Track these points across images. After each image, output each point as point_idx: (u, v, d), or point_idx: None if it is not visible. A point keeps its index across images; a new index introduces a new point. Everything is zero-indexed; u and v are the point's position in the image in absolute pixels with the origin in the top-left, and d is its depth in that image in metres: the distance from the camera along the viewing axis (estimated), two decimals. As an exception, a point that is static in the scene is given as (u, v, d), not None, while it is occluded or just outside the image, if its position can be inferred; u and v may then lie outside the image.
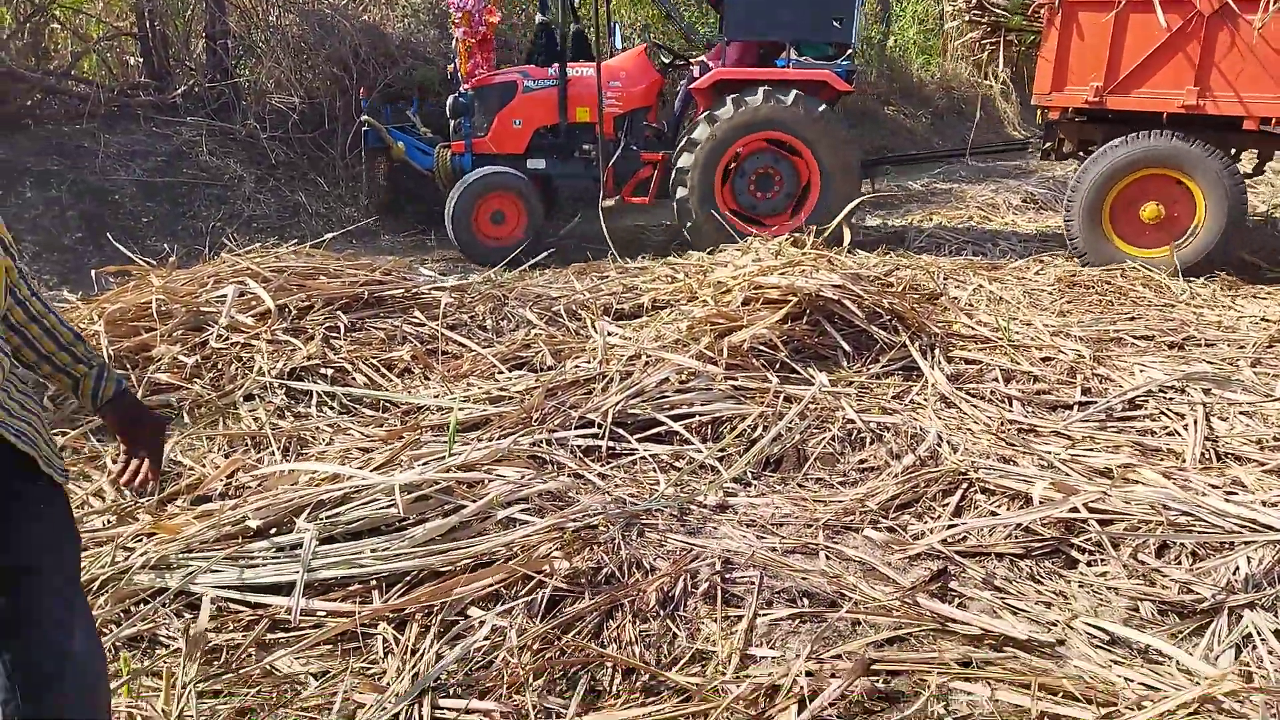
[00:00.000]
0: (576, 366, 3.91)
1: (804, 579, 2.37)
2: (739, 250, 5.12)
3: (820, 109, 6.75)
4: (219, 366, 3.68)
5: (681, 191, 6.86)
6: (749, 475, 3.07)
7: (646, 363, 3.72)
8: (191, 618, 2.16)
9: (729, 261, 4.88)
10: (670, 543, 2.51)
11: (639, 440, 3.27)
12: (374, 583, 2.30)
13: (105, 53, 8.77)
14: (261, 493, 2.75)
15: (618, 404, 3.41)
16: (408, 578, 2.31)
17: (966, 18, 7.19)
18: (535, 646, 2.05)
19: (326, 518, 2.49)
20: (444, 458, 2.87)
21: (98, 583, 2.24)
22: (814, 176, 6.92)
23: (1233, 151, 6.25)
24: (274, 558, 2.36)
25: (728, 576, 2.36)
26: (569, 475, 2.98)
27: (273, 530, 2.48)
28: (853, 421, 3.28)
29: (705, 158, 6.78)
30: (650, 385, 3.52)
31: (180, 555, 2.32)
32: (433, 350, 4.26)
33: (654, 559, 2.40)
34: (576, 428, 3.33)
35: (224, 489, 2.88)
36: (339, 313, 4.35)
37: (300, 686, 1.99)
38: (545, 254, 6.20)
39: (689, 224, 6.85)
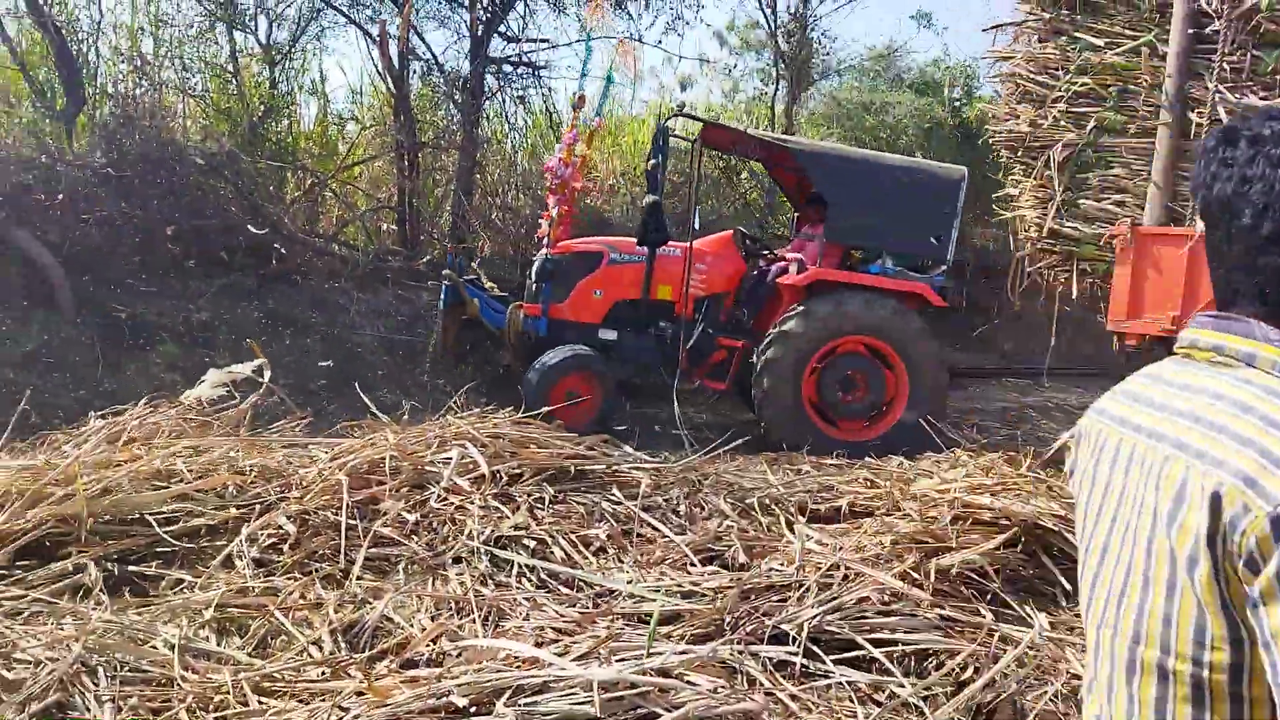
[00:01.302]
0: (771, 569, 3.83)
1: None
2: (944, 461, 4.95)
3: (917, 322, 6.84)
4: (434, 527, 3.89)
5: (767, 381, 6.80)
6: (957, 722, 2.84)
7: (846, 576, 3.59)
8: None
9: (934, 473, 4.72)
10: (874, 793, 2.33)
11: (835, 662, 3.12)
12: (565, 785, 2.26)
13: (367, 221, 10.01)
14: (463, 664, 2.82)
15: (814, 618, 3.29)
16: (598, 785, 2.26)
17: (1039, 245, 7.20)
18: None
19: (525, 704, 2.50)
20: (641, 655, 2.85)
21: (313, 740, 2.34)
22: (901, 387, 6.92)
23: None
24: (472, 741, 2.38)
25: (939, 846, 2.14)
26: (761, 693, 2.86)
27: (473, 709, 2.52)
28: (1079, 678, 2.99)
29: (797, 353, 6.76)
30: (849, 602, 3.38)
31: (388, 724, 2.39)
32: (628, 531, 4.32)
33: (857, 810, 2.23)
34: (769, 637, 3.23)
35: (428, 654, 2.97)
36: (545, 483, 4.54)
37: None
38: (740, 440, 6.23)
39: (768, 414, 6.76)
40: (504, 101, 10.79)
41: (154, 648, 2.85)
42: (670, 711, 2.50)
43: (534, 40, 10.72)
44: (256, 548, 3.58)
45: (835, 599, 3.40)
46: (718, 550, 4.20)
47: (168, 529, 3.57)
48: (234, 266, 8.29)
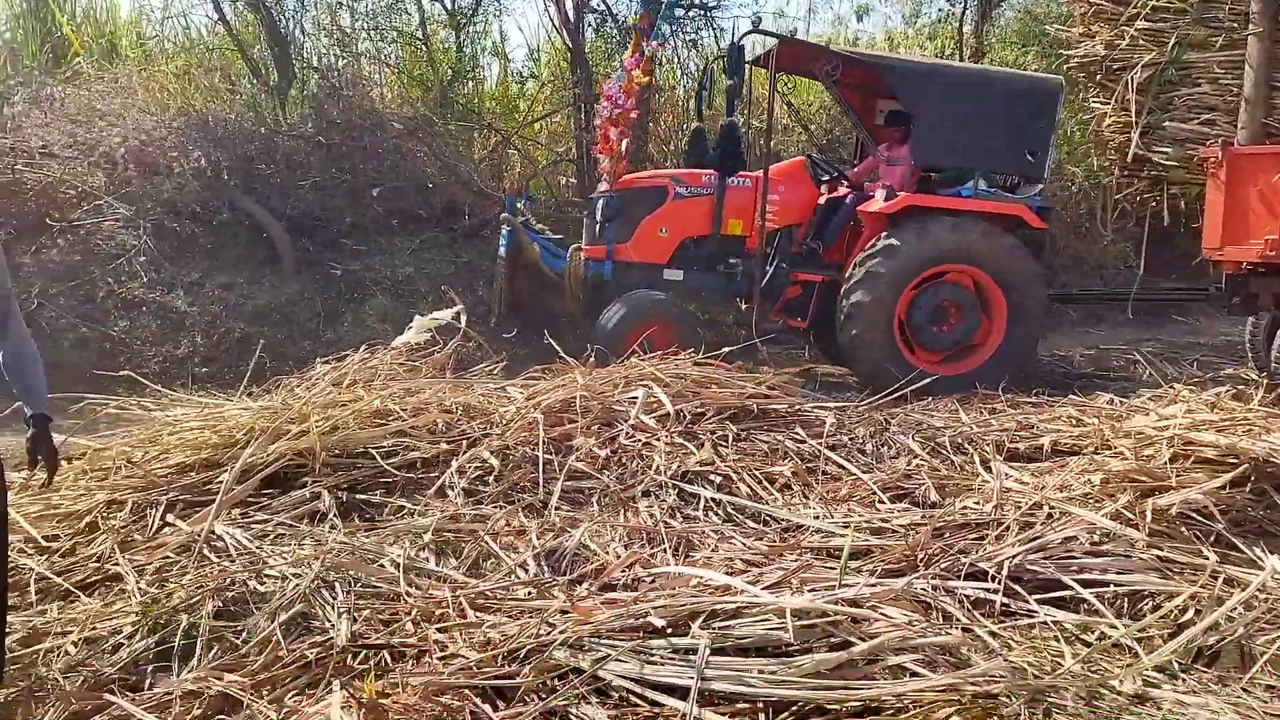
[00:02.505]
0: (966, 507, 3.71)
1: (1259, 813, 1.98)
2: (1161, 397, 4.59)
3: (1014, 246, 6.35)
4: (624, 462, 4.04)
5: (854, 329, 6.32)
6: (1176, 666, 2.67)
7: (1050, 515, 3.43)
8: (599, 703, 2.34)
9: (1150, 409, 4.38)
10: (1083, 730, 2.25)
11: (1038, 602, 3.00)
12: (761, 705, 2.32)
13: (548, 175, 10.31)
14: (658, 589, 2.93)
15: (1015, 556, 3.17)
16: (793, 707, 2.31)
17: (1125, 173, 6.72)
18: (930, 817, 1.92)
19: (719, 628, 2.58)
20: (831, 586, 2.85)
21: (523, 651, 2.52)
22: (998, 315, 6.46)
23: None
24: (669, 658, 2.48)
25: (1157, 788, 2.05)
26: (959, 629, 2.80)
27: (669, 630, 2.62)
28: (1318, 624, 2.73)
29: (886, 291, 6.27)
30: (1054, 541, 3.23)
31: (591, 639, 2.54)
32: (812, 469, 4.31)
33: (1065, 746, 2.16)
34: (966, 576, 3.15)
35: (624, 579, 3.11)
36: (728, 422, 4.59)
37: (690, 796, 2.06)
38: (928, 380, 6.01)
39: (862, 363, 6.33)
40: (675, 46, 10.71)
41: (382, 566, 3.15)
42: (864, 641, 2.50)
43: (705, -19, 10.56)
44: (465, 479, 3.85)
45: (1038, 538, 3.26)
46: (907, 489, 4.11)
47: (389, 461, 3.90)
48: (431, 223, 8.80)
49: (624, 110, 6.58)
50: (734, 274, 6.78)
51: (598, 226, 6.74)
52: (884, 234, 6.45)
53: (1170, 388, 4.71)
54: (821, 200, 7.18)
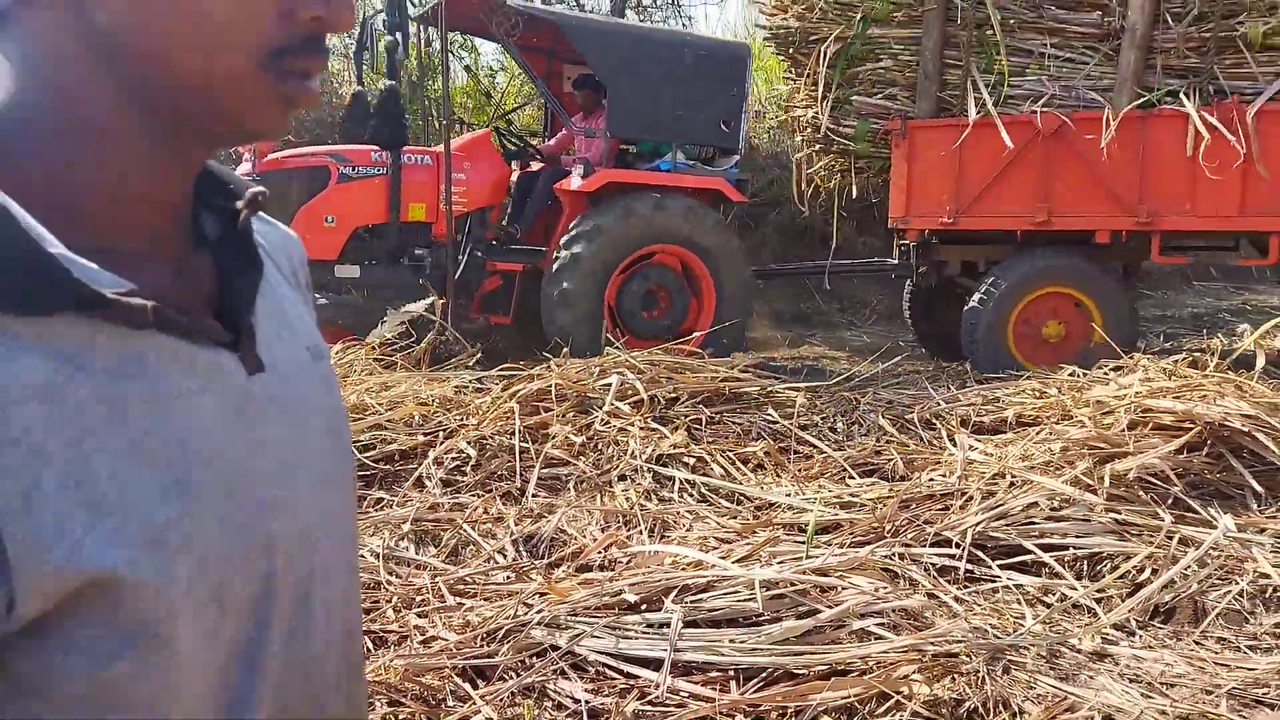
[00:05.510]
0: (932, 479, 3.81)
1: (1204, 755, 2.09)
2: (1123, 368, 4.71)
3: (717, 220, 6.26)
4: (599, 447, 4.11)
5: (564, 317, 5.88)
6: (1133, 623, 2.77)
7: (1012, 483, 3.53)
8: (576, 677, 2.41)
9: (1110, 379, 4.50)
10: (1040, 685, 2.34)
11: (1000, 567, 3.10)
12: (732, 673, 2.41)
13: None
14: (633, 568, 3.01)
15: (978, 524, 3.27)
16: (763, 674, 2.39)
17: (816, 147, 6.94)
18: (892, 770, 2.01)
19: (691, 602, 2.66)
20: (800, 558, 2.94)
21: (502, 631, 2.59)
22: (707, 295, 6.33)
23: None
24: (644, 633, 2.56)
25: (1109, 735, 2.15)
26: (924, 594, 2.90)
27: (644, 606, 2.70)
28: (1268, 577, 2.84)
29: (593, 277, 5.93)
30: (1016, 509, 3.33)
31: (568, 617, 2.61)
32: (785, 449, 4.40)
33: (1022, 700, 2.25)
34: (931, 544, 3.24)
35: (601, 560, 3.19)
36: (701, 405, 4.67)
37: (664, 761, 2.14)
38: (897, 359, 6.13)
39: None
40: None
41: (363, 556, 3.20)
42: (830, 609, 2.59)
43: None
44: (443, 470, 3.90)
45: (1000, 506, 3.36)
46: (877, 464, 4.21)
47: (366, 455, 3.95)
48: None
49: None
50: (422, 266, 6.03)
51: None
52: (585, 216, 6.05)
53: (1130, 358, 4.83)
54: (514, 178, 6.65)
